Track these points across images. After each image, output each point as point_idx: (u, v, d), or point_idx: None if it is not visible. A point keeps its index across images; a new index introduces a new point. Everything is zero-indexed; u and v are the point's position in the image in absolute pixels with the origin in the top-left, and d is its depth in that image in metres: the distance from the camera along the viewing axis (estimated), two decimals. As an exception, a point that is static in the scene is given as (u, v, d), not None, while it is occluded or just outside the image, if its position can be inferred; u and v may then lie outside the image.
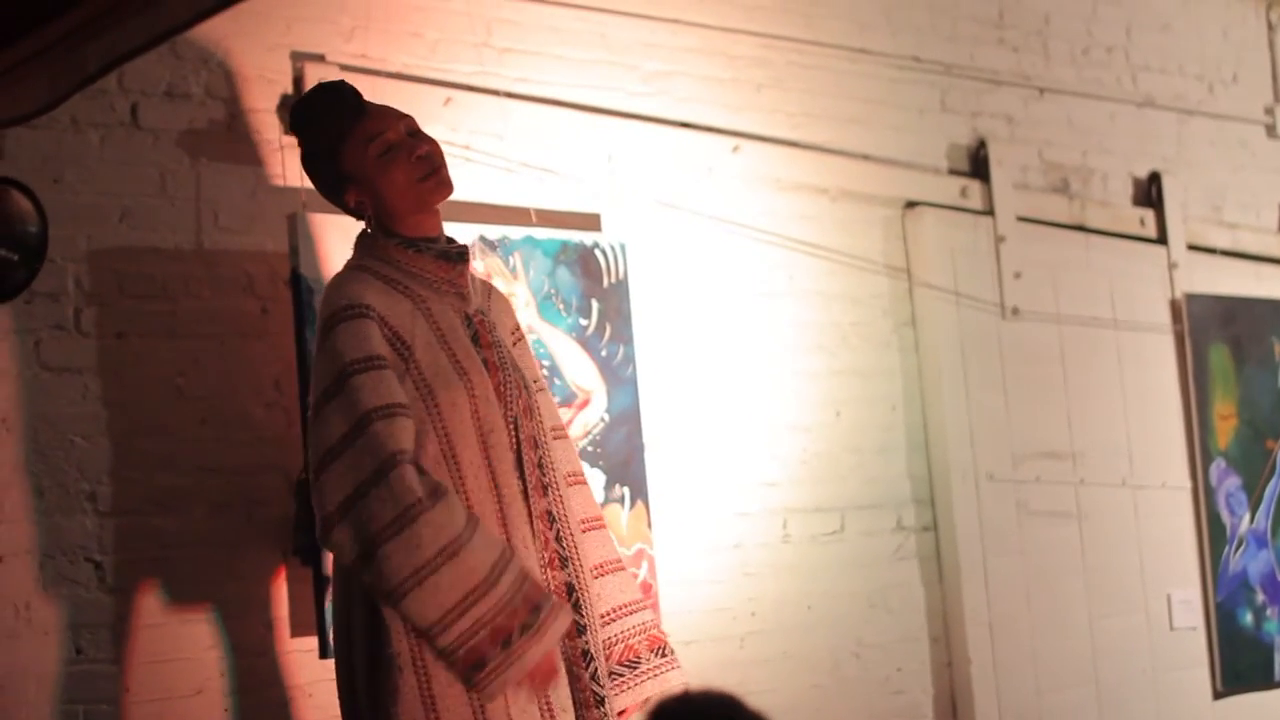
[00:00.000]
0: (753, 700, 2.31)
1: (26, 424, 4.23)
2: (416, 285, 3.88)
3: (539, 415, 4.01)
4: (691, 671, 4.92)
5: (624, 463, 5.05)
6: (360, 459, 3.65)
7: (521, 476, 3.87)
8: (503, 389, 3.89)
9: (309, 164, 4.04)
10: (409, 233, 3.92)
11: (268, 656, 4.46)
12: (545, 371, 4.89)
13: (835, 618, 5.64)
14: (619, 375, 5.08)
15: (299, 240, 4.45)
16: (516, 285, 4.92)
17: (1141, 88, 6.95)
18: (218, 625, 4.41)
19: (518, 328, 4.22)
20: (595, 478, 4.96)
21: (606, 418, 5.04)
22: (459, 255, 3.96)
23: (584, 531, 4.08)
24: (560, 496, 3.99)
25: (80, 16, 3.49)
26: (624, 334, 5.11)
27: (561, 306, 5.00)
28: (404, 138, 3.95)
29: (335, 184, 3.97)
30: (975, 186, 6.24)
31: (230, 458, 4.47)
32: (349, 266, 3.93)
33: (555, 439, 4.10)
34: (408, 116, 4.01)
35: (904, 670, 5.82)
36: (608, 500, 5.00)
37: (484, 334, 3.94)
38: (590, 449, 4.98)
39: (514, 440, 3.88)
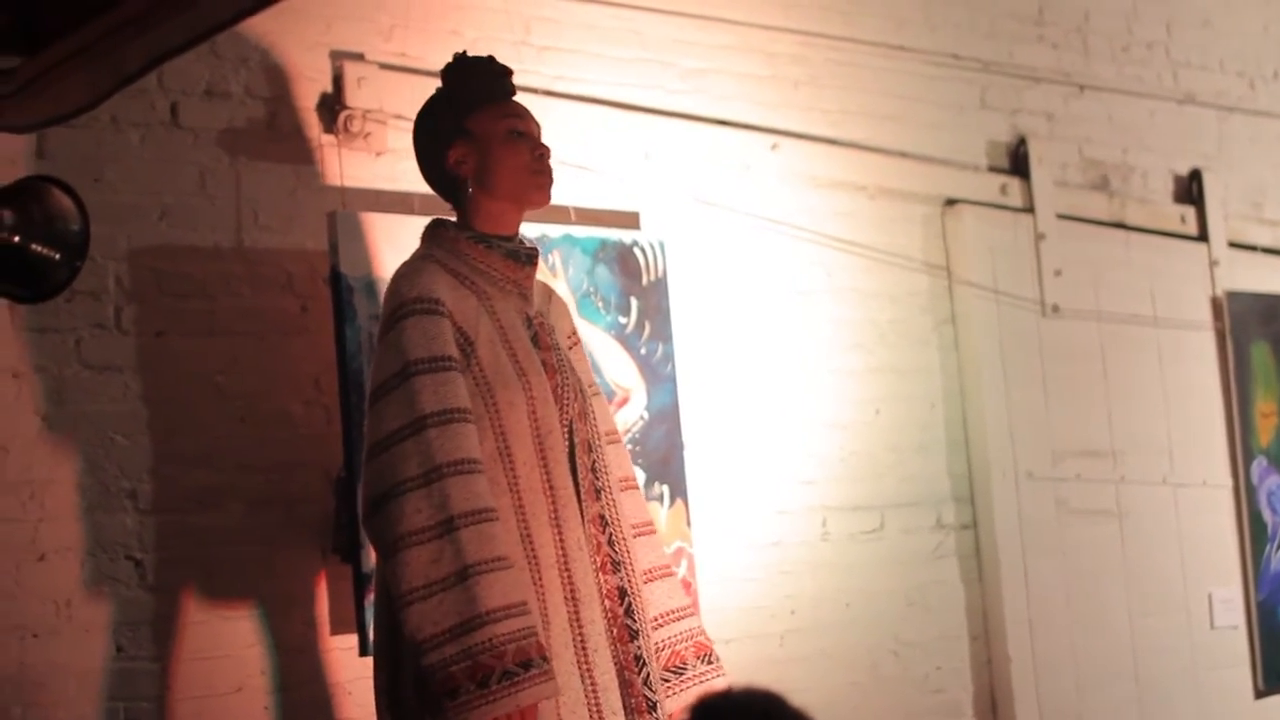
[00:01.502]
0: (792, 698, 2.30)
1: (67, 422, 4.25)
2: (482, 282, 3.86)
3: (593, 419, 3.99)
4: (730, 669, 4.93)
5: (663, 460, 5.05)
6: (406, 460, 3.63)
7: (575, 479, 3.85)
8: (560, 391, 3.88)
9: (434, 108, 3.98)
10: (484, 226, 3.91)
11: (308, 654, 4.47)
12: (584, 369, 4.90)
13: (874, 616, 5.63)
14: (658, 373, 5.08)
15: (339, 238, 4.46)
16: (556, 283, 4.91)
17: (1182, 84, 6.93)
18: (258, 623, 4.42)
19: (574, 332, 4.20)
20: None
21: (646, 415, 5.04)
22: (528, 257, 3.95)
23: (635, 536, 4.05)
24: (613, 500, 3.96)
25: (120, 16, 3.50)
26: (663, 332, 5.11)
27: (600, 304, 5.00)
28: (534, 136, 3.96)
29: (447, 136, 3.91)
30: (1015, 184, 6.22)
31: (269, 455, 4.48)
32: (419, 256, 3.88)
33: (609, 444, 4.08)
34: (539, 126, 4.01)
35: (943, 668, 5.81)
36: (647, 498, 5.00)
37: (543, 336, 3.93)
38: (629, 447, 4.97)
39: (569, 443, 3.86)
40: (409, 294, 3.74)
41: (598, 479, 3.93)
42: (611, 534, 3.92)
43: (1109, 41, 6.72)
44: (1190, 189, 6.84)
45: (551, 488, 3.79)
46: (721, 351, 5.39)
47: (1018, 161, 6.28)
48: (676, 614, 4.13)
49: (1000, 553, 5.90)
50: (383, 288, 4.08)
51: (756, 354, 5.48)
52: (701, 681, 4.08)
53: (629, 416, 5.00)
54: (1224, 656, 6.55)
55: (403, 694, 3.74)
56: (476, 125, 3.90)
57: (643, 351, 5.06)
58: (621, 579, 3.91)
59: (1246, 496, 6.66)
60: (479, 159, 3.90)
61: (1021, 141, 6.29)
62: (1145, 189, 6.72)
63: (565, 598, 3.75)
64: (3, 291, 3.83)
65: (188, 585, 4.35)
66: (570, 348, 4.11)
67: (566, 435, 3.86)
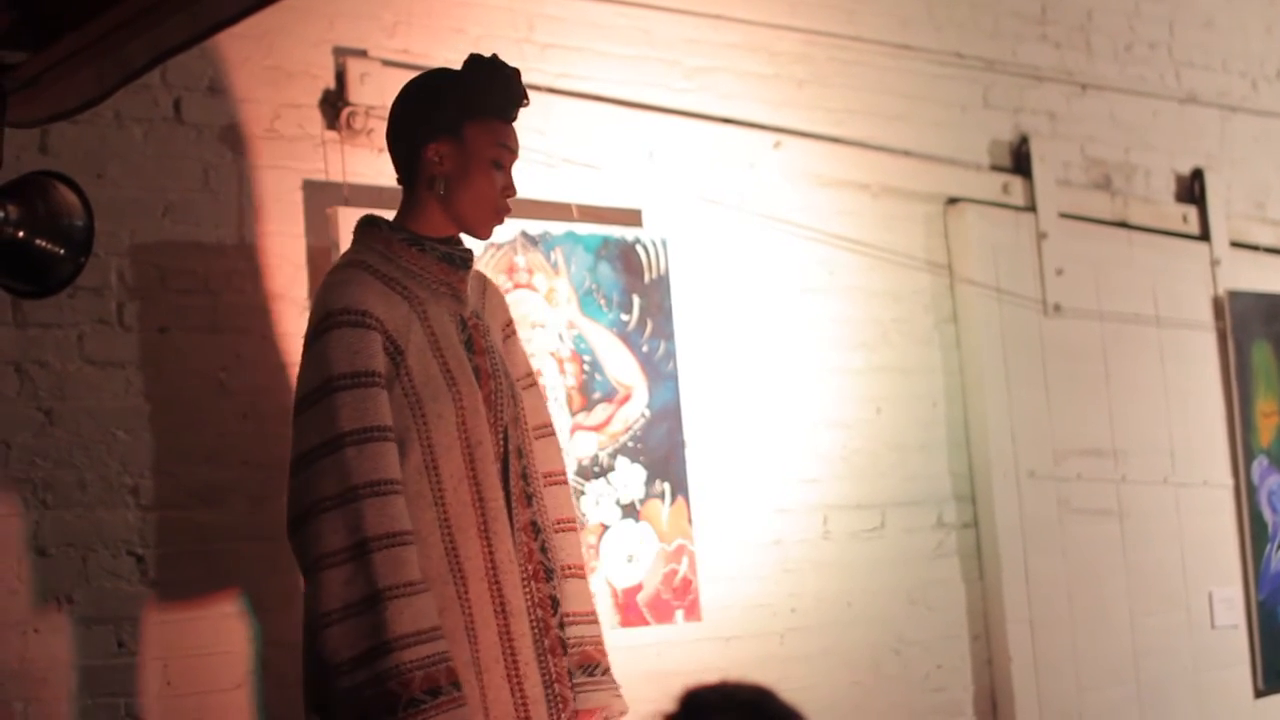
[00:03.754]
0: (792, 697, 2.30)
1: (69, 418, 4.25)
2: (415, 285, 3.73)
3: (524, 422, 3.88)
4: (731, 667, 4.94)
5: (664, 458, 5.06)
6: (324, 479, 3.55)
7: (506, 488, 3.74)
8: (493, 398, 3.77)
9: (438, 91, 3.82)
10: (422, 227, 3.78)
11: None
12: (587, 366, 4.90)
13: (875, 614, 5.64)
14: (660, 371, 5.08)
15: (341, 235, 4.46)
16: (558, 280, 4.92)
17: (1184, 84, 6.93)
18: (259, 619, 4.42)
19: (510, 323, 4.07)
20: (636, 473, 4.98)
21: (647, 413, 5.04)
22: (463, 261, 3.82)
23: (556, 532, 3.95)
24: (544, 507, 3.87)
25: (124, 12, 3.50)
26: (665, 329, 5.11)
27: (603, 302, 5.00)
28: (509, 170, 3.85)
29: (440, 127, 3.77)
30: (1017, 183, 6.22)
31: (272, 452, 4.47)
32: (349, 263, 3.74)
33: (540, 437, 3.99)
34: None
35: (944, 667, 5.81)
36: (648, 496, 5.01)
37: (478, 339, 3.81)
38: (631, 444, 4.99)
39: (501, 450, 3.76)
40: (336, 304, 3.62)
41: (529, 485, 3.82)
42: (544, 541, 3.82)
43: (1112, 41, 6.73)
44: (1192, 188, 6.84)
45: (481, 500, 3.67)
46: (723, 349, 5.39)
47: (1020, 160, 6.28)
48: (577, 617, 3.99)
49: (1001, 552, 5.90)
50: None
51: (758, 352, 5.48)
52: (582, 691, 3.94)
53: (630, 414, 5.01)
54: (1224, 656, 6.55)
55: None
56: (471, 134, 3.77)
57: (644, 349, 5.06)
58: (553, 587, 3.81)
59: (1247, 496, 6.66)
60: (456, 168, 3.77)
61: (1024, 140, 6.29)
62: (1147, 188, 6.72)
63: (495, 611, 3.65)
64: (6, 286, 3.84)
65: (189, 581, 4.35)
66: (505, 339, 4.00)
67: (500, 443, 3.76)
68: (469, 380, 3.72)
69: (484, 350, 3.81)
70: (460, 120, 3.77)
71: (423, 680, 3.47)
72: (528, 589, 3.74)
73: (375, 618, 3.48)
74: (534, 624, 3.73)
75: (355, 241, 3.84)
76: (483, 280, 4.07)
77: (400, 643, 3.47)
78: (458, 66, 3.86)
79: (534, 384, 4.10)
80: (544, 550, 3.81)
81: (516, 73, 3.83)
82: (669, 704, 2.22)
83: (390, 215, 3.89)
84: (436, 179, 3.77)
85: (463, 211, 3.80)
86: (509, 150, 3.83)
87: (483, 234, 3.87)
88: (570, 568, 4.00)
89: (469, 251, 3.86)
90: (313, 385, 3.62)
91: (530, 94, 3.97)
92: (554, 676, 3.74)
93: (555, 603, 3.80)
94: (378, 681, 3.47)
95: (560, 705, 3.74)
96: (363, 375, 3.58)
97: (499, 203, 3.82)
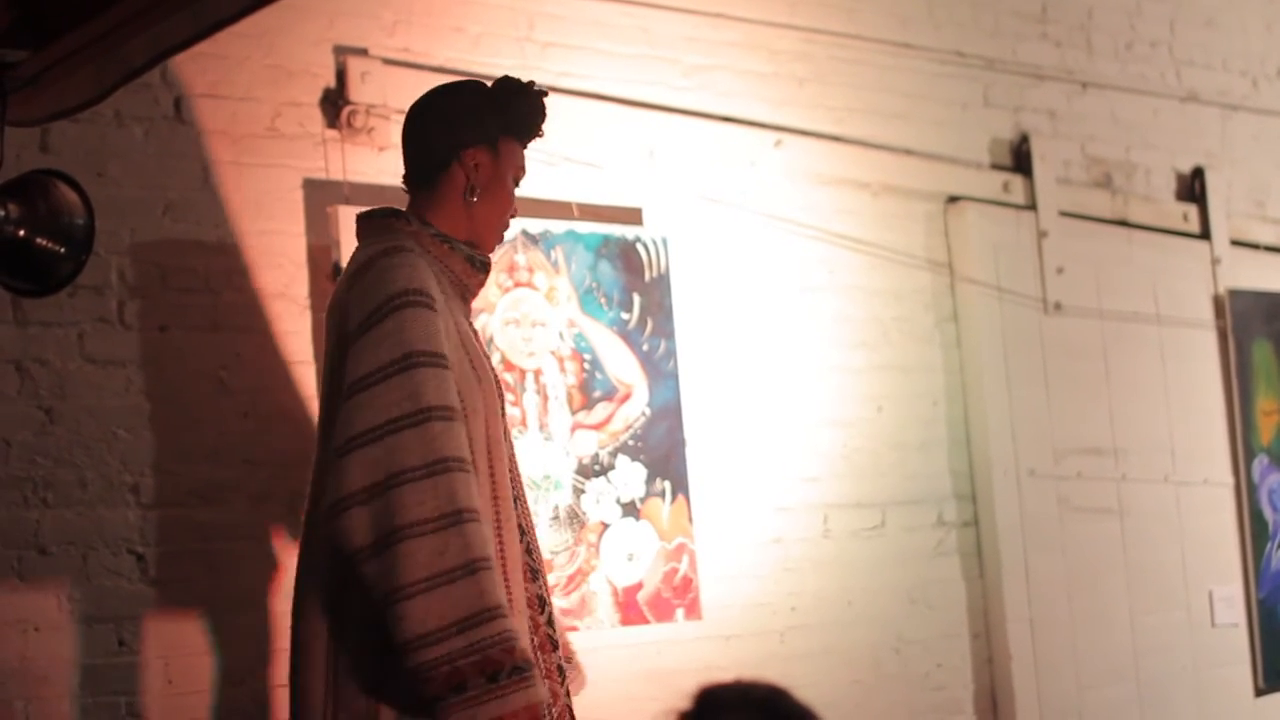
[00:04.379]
0: (797, 692, 2.30)
1: (70, 416, 4.25)
2: (445, 283, 3.67)
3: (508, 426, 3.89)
4: (732, 665, 4.95)
5: (665, 457, 5.06)
6: (407, 449, 3.43)
7: (510, 492, 3.74)
8: (502, 400, 3.77)
9: (485, 103, 3.78)
10: (449, 226, 3.74)
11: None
12: (587, 365, 4.91)
13: (876, 613, 5.64)
14: (660, 369, 5.08)
15: (342, 233, 4.46)
16: (558, 279, 4.92)
17: (1185, 83, 6.93)
18: (259, 617, 4.42)
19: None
20: (636, 471, 4.98)
21: (648, 412, 5.04)
22: (483, 265, 3.79)
23: None
24: (527, 509, 3.85)
25: (125, 11, 3.50)
26: (665, 328, 5.11)
27: (603, 300, 5.00)
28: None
29: (480, 137, 3.73)
30: (1017, 181, 6.22)
31: (272, 450, 4.48)
32: (399, 248, 3.61)
33: None
34: None
35: (944, 666, 5.81)
36: (649, 494, 5.01)
37: (480, 345, 3.80)
38: (631, 443, 4.99)
39: (508, 452, 3.77)
40: (406, 284, 3.53)
41: (516, 487, 3.80)
42: (529, 542, 3.79)
43: (1112, 39, 6.73)
44: (1193, 187, 6.84)
45: (496, 497, 3.66)
46: (724, 348, 5.39)
47: (1020, 159, 6.28)
48: None
49: (1002, 550, 5.90)
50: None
51: (759, 351, 5.48)
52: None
53: (631, 412, 5.01)
54: (1224, 654, 6.55)
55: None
56: (504, 150, 3.77)
57: (645, 348, 5.07)
58: (540, 587, 3.79)
59: (1247, 494, 6.66)
60: (488, 178, 3.75)
61: (1024, 139, 6.29)
62: (1148, 187, 6.72)
63: None
64: (7, 285, 3.84)
65: (190, 579, 4.36)
66: None
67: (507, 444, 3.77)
68: (490, 380, 3.71)
69: (487, 355, 3.80)
70: (497, 134, 3.76)
71: (521, 651, 3.43)
72: (524, 588, 3.73)
73: (475, 585, 3.39)
74: (529, 621, 3.72)
75: (382, 230, 3.73)
76: None
77: (499, 610, 3.41)
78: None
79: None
80: (529, 552, 3.78)
81: (545, 102, 3.84)
82: (684, 702, 2.22)
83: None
84: (470, 183, 3.75)
85: (482, 221, 3.77)
86: (524, 172, 3.85)
87: (489, 247, 3.84)
88: None
89: (488, 259, 3.83)
90: (390, 358, 3.48)
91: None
92: (544, 672, 3.71)
93: (542, 601, 3.79)
94: (477, 649, 3.38)
95: (551, 700, 3.70)
96: (439, 357, 3.50)
97: (506, 220, 3.83)
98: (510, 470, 3.76)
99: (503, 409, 3.79)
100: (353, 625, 3.52)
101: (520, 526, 3.76)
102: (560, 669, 3.80)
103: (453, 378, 3.51)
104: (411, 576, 3.36)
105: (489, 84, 3.81)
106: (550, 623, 3.81)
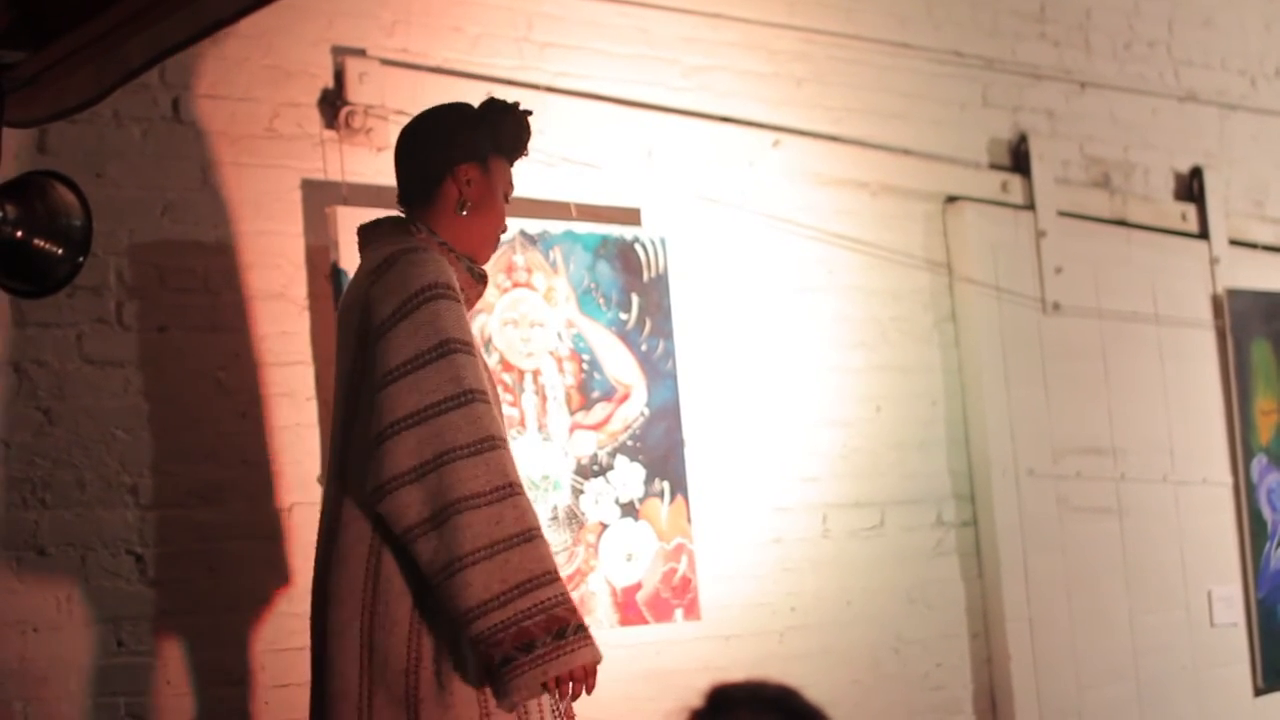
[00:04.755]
0: (806, 693, 2.33)
1: (68, 417, 4.25)
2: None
3: None
4: (731, 666, 4.94)
5: (664, 457, 5.06)
6: (455, 429, 3.54)
7: None
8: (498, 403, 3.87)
9: (474, 122, 3.90)
10: (450, 239, 3.83)
11: (308, 649, 4.47)
12: (585, 365, 4.92)
13: (875, 613, 5.64)
14: (659, 369, 5.08)
15: (340, 234, 4.46)
16: (557, 279, 4.92)
17: (1183, 82, 6.93)
18: (259, 617, 4.42)
19: None
20: (635, 472, 4.98)
21: (646, 412, 5.04)
22: (481, 276, 3.91)
23: None
24: None
25: (123, 12, 3.51)
26: (664, 328, 5.11)
27: (601, 301, 5.00)
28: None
29: (471, 155, 3.85)
30: (1016, 181, 6.22)
31: (271, 450, 4.48)
32: (423, 247, 3.73)
33: None
34: None
35: (943, 666, 5.81)
36: (647, 494, 5.01)
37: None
38: (630, 443, 4.99)
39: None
40: (435, 277, 3.65)
41: None
42: None
43: (1111, 39, 6.73)
44: (1191, 186, 6.84)
45: None
46: (722, 348, 5.39)
47: (1019, 159, 6.28)
48: None
49: (1001, 550, 5.90)
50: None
51: (757, 351, 5.48)
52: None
53: (629, 413, 5.01)
54: (1224, 654, 6.55)
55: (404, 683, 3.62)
56: (494, 167, 3.88)
57: (643, 348, 5.07)
58: None
59: (1246, 494, 6.66)
60: (479, 194, 3.86)
61: (1023, 139, 6.29)
62: (1146, 186, 6.72)
63: None
64: (5, 286, 3.84)
65: (189, 580, 4.35)
66: None
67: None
68: (494, 381, 3.84)
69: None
70: (487, 151, 3.88)
71: (579, 610, 3.57)
72: None
73: (532, 551, 3.52)
74: None
75: (397, 233, 3.82)
76: None
77: (557, 574, 3.55)
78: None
79: None
80: None
81: (529, 119, 3.96)
82: (696, 700, 2.24)
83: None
84: (462, 199, 3.84)
85: (475, 234, 3.88)
86: (513, 189, 3.97)
87: (483, 258, 3.93)
88: None
89: (485, 271, 3.93)
90: (428, 344, 3.59)
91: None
92: None
93: None
94: (542, 609, 3.50)
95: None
96: (471, 345, 3.65)
97: (498, 236, 3.95)
98: None
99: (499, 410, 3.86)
100: (390, 610, 3.60)
101: None
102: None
103: (483, 369, 3.65)
104: (472, 545, 3.48)
105: (475, 105, 3.93)
106: None
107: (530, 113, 3.93)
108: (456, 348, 3.60)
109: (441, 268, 3.67)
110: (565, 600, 3.54)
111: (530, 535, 3.53)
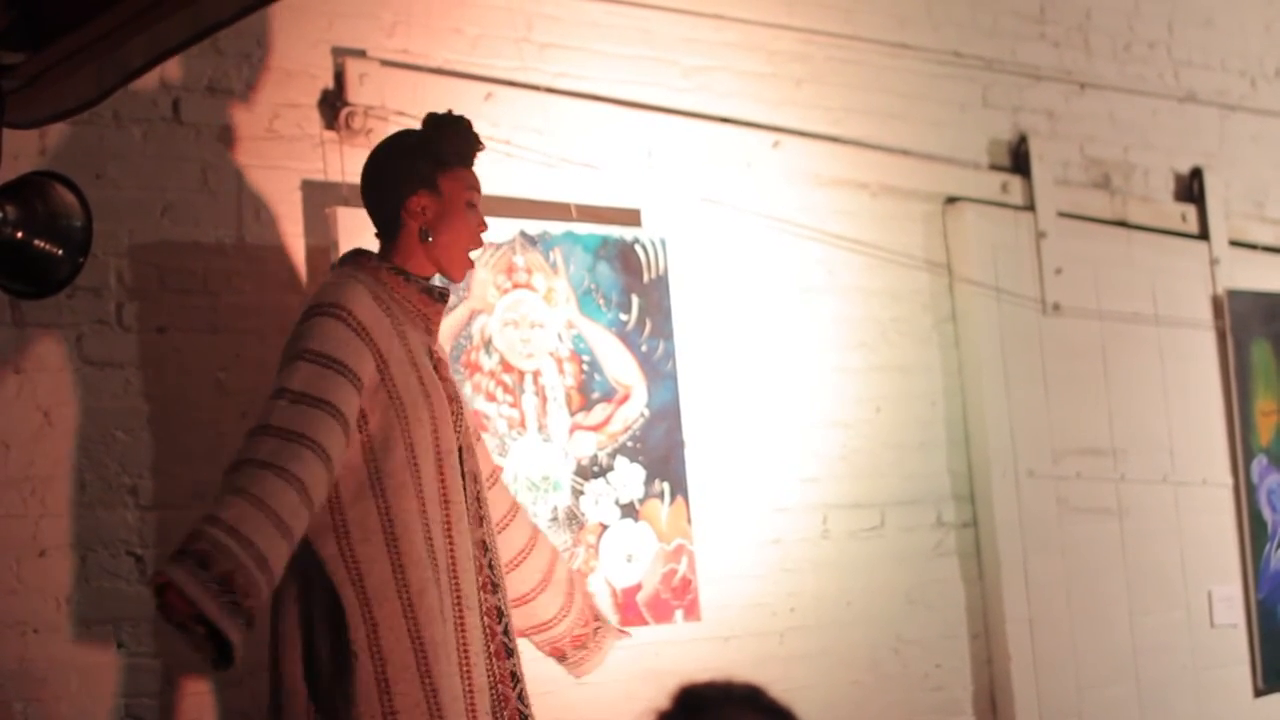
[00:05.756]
0: (791, 696, 2.33)
1: (68, 418, 4.25)
2: (396, 309, 3.98)
3: (476, 456, 4.15)
4: (731, 667, 4.93)
5: (664, 458, 5.05)
6: (272, 414, 3.76)
7: (464, 501, 4.01)
8: (457, 420, 4.04)
9: (410, 150, 4.09)
10: (410, 264, 4.04)
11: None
12: (586, 366, 4.92)
13: (875, 614, 5.63)
14: (659, 370, 5.08)
15: (340, 235, 4.47)
16: (557, 280, 4.92)
17: (1183, 83, 6.93)
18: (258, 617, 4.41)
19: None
20: (635, 473, 4.98)
21: (646, 413, 5.04)
22: (441, 295, 4.09)
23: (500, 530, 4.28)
24: (492, 530, 4.13)
25: (123, 13, 3.51)
26: (664, 329, 5.11)
27: (602, 301, 5.00)
28: (480, 211, 4.14)
29: (418, 181, 4.04)
30: (1016, 182, 6.22)
31: (271, 452, 4.47)
32: (345, 274, 3.99)
33: (490, 487, 4.26)
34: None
35: (943, 667, 5.81)
36: (647, 495, 5.01)
37: (443, 369, 4.09)
38: (630, 444, 4.99)
39: (461, 468, 4.02)
40: (327, 299, 3.89)
41: (481, 508, 4.09)
42: (491, 559, 4.08)
43: (1110, 40, 6.72)
44: (1191, 187, 6.84)
45: (447, 500, 3.95)
46: (722, 349, 5.39)
47: (1019, 159, 6.27)
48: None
49: (1000, 551, 5.90)
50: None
51: (757, 352, 5.48)
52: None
53: (629, 414, 5.01)
54: (1224, 655, 6.55)
55: (320, 686, 3.87)
56: (446, 184, 4.06)
57: (643, 349, 5.06)
58: (499, 599, 4.07)
59: (1247, 495, 6.66)
60: (437, 216, 4.05)
61: (1023, 139, 6.29)
62: (1146, 187, 6.72)
63: (453, 602, 3.91)
64: (5, 287, 3.84)
65: (189, 581, 4.34)
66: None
67: (459, 458, 4.02)
68: (440, 397, 3.99)
69: (447, 378, 4.09)
70: (434, 173, 4.06)
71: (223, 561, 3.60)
72: (480, 598, 4.01)
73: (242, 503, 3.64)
74: (483, 628, 4.00)
75: (345, 264, 4.07)
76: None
77: (232, 526, 3.62)
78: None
79: (479, 435, 4.38)
80: (491, 566, 4.07)
81: (469, 123, 4.13)
82: (664, 701, 2.25)
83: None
84: (420, 228, 4.05)
85: (444, 253, 4.08)
86: (476, 191, 4.14)
87: (457, 276, 4.17)
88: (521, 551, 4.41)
89: (447, 289, 4.14)
90: (286, 355, 3.86)
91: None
92: (497, 678, 4.02)
93: (500, 613, 4.06)
94: (209, 540, 3.58)
95: (502, 705, 4.01)
96: (334, 361, 3.82)
97: (474, 243, 4.13)
98: (467, 489, 4.03)
99: (464, 433, 4.07)
100: (322, 618, 3.86)
101: (484, 542, 4.07)
102: (513, 674, 4.07)
103: (343, 381, 3.80)
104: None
105: (417, 129, 4.16)
106: (506, 632, 4.07)
107: (468, 121, 4.11)
108: (305, 356, 3.80)
109: (339, 291, 3.89)
110: (220, 545, 3.57)
111: (255, 500, 3.63)
